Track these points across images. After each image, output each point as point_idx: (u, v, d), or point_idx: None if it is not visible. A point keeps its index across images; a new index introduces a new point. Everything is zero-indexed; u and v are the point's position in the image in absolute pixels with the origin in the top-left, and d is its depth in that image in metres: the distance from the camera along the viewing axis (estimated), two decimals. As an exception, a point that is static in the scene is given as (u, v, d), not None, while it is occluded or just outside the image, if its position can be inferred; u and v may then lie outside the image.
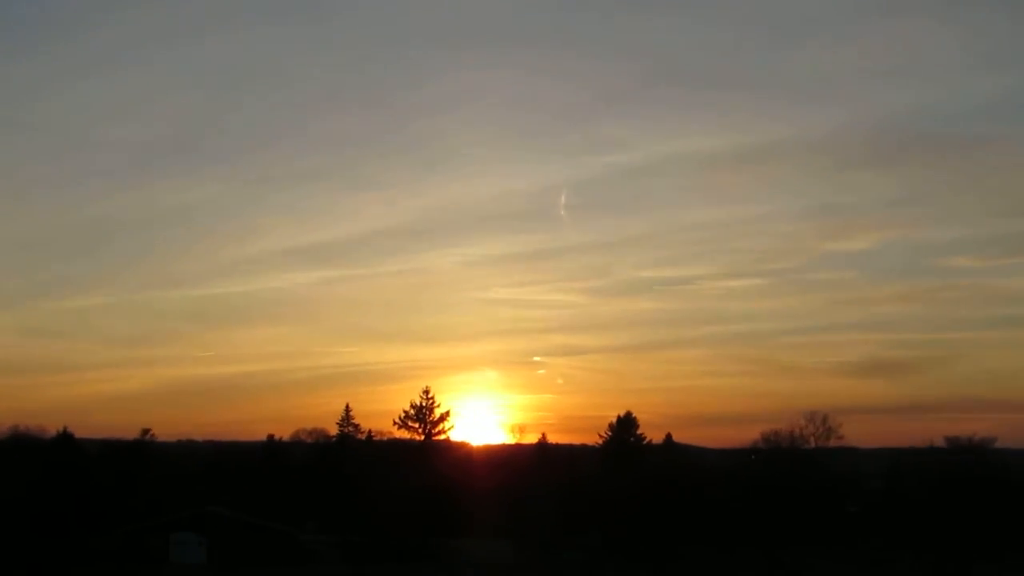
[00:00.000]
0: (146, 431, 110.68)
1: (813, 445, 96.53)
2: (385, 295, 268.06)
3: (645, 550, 78.14)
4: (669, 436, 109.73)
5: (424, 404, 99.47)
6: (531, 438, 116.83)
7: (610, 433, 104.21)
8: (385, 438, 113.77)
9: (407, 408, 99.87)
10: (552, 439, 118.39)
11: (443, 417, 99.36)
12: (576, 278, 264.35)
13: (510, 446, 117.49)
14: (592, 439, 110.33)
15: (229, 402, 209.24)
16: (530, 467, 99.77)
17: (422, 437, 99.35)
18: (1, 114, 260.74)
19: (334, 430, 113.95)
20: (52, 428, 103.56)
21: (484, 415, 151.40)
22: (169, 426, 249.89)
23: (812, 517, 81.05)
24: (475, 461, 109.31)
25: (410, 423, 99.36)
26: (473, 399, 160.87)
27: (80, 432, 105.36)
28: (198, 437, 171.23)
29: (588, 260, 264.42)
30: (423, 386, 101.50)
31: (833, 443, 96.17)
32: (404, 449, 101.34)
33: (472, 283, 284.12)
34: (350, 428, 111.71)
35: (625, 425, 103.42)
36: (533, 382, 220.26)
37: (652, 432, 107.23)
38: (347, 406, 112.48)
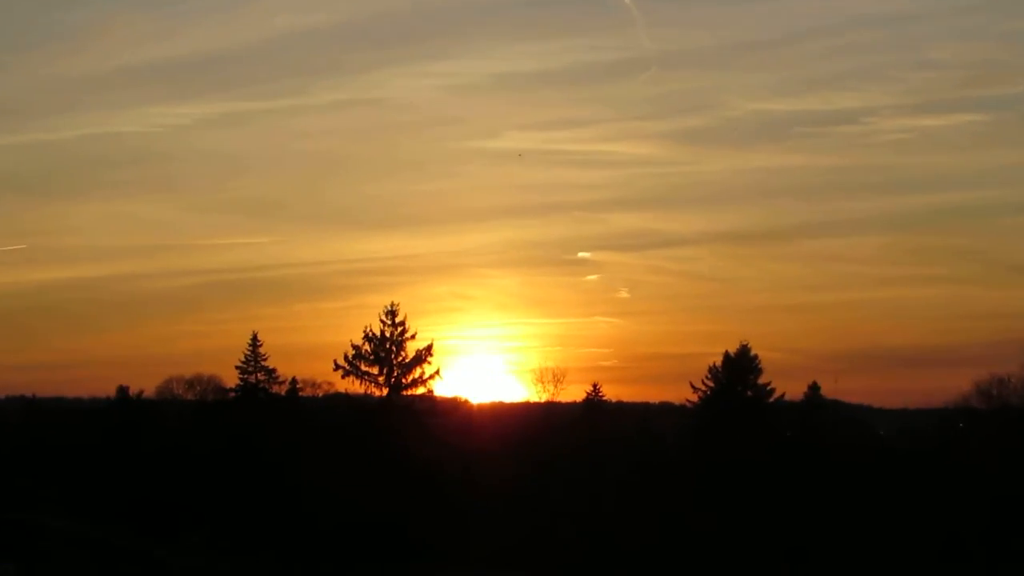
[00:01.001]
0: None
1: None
2: (315, 145, 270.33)
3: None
4: (815, 388, 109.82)
5: (389, 335, 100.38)
6: (573, 394, 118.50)
7: (712, 384, 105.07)
8: (321, 393, 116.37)
9: (358, 341, 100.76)
10: (610, 394, 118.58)
11: (422, 357, 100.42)
12: (654, 115, 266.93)
13: (536, 406, 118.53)
14: (680, 394, 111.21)
15: (54, 331, 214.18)
16: (570, 442, 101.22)
17: (385, 391, 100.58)
18: None
19: (233, 379, 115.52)
20: None
21: (492, 355, 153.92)
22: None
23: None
24: (476, 432, 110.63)
25: (364, 367, 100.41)
26: (473, 327, 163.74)
27: None
28: (1, 392, 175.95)
29: (676, 83, 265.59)
30: (386, 303, 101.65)
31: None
32: (355, 411, 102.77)
33: (468, 124, 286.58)
34: (260, 375, 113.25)
35: (738, 369, 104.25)
36: (578, 297, 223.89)
37: (785, 382, 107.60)
38: (254, 337, 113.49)
